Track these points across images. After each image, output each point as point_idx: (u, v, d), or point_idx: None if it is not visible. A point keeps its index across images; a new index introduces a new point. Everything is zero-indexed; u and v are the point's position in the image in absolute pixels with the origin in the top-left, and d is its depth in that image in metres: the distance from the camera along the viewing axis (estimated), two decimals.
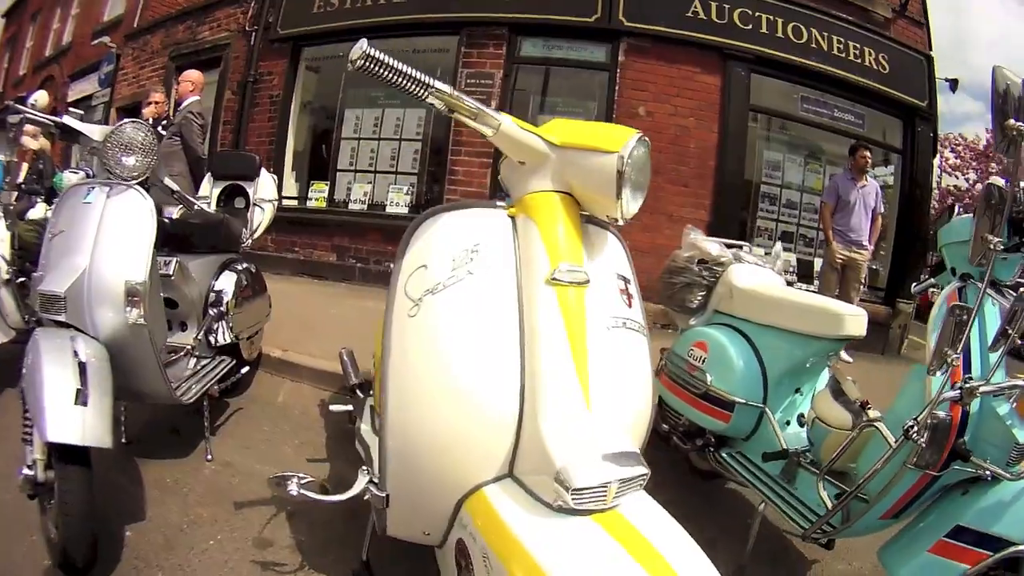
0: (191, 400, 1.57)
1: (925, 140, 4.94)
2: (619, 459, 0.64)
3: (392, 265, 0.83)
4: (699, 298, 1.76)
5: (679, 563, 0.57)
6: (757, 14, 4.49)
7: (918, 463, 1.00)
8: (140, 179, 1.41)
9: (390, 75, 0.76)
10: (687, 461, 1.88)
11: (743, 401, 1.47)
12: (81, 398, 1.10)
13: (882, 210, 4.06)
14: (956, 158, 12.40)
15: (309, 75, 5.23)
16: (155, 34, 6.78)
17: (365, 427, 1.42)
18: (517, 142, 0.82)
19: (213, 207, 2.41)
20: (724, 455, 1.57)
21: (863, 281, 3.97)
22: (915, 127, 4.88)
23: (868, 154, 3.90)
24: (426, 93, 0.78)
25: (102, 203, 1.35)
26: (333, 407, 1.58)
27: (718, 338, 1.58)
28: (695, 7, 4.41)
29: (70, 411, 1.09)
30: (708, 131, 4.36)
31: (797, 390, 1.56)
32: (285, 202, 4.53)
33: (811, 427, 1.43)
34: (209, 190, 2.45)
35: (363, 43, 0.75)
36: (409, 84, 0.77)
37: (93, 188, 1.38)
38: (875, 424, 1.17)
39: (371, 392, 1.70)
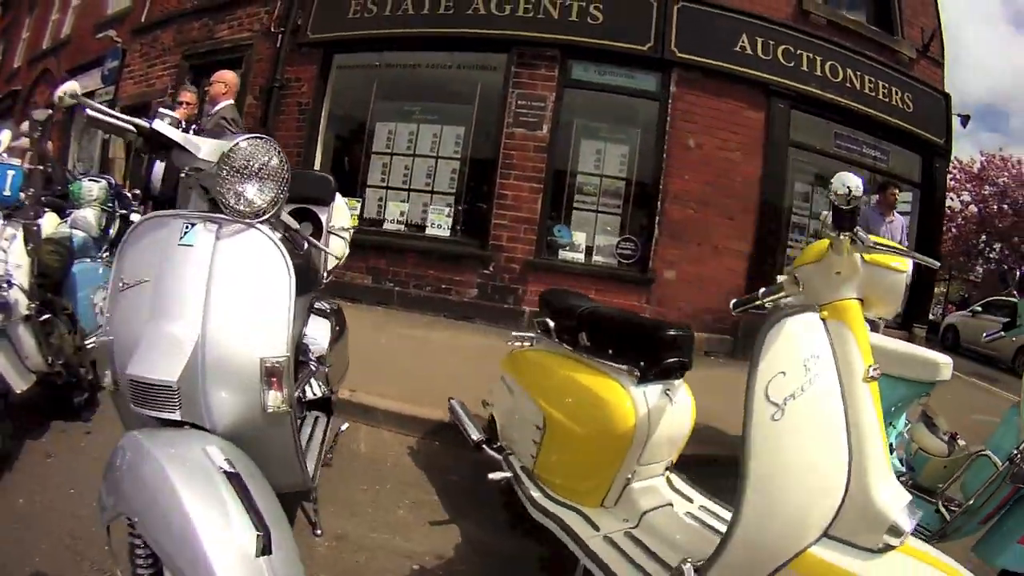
0: (318, 480, 1.38)
1: (941, 175, 5.27)
2: (910, 508, 0.87)
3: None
4: None
5: (955, 566, 0.84)
6: (799, 52, 4.66)
7: (1015, 480, 1.32)
8: (268, 217, 1.03)
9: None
10: None
11: None
12: (263, 544, 0.76)
13: (907, 244, 4.28)
14: (952, 180, 13.23)
15: (339, 84, 5.04)
16: (166, 30, 6.44)
17: (538, 494, 1.40)
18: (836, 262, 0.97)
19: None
20: None
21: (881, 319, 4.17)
22: (933, 163, 5.17)
23: (897, 192, 4.14)
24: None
25: (209, 247, 0.97)
26: (493, 476, 1.54)
27: None
28: (743, 42, 4.54)
29: (254, 568, 0.74)
30: (753, 165, 4.49)
31: (889, 423, 1.84)
32: None
33: (913, 456, 1.75)
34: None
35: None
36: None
37: (193, 225, 0.99)
38: (986, 453, 1.48)
39: (509, 450, 1.62)
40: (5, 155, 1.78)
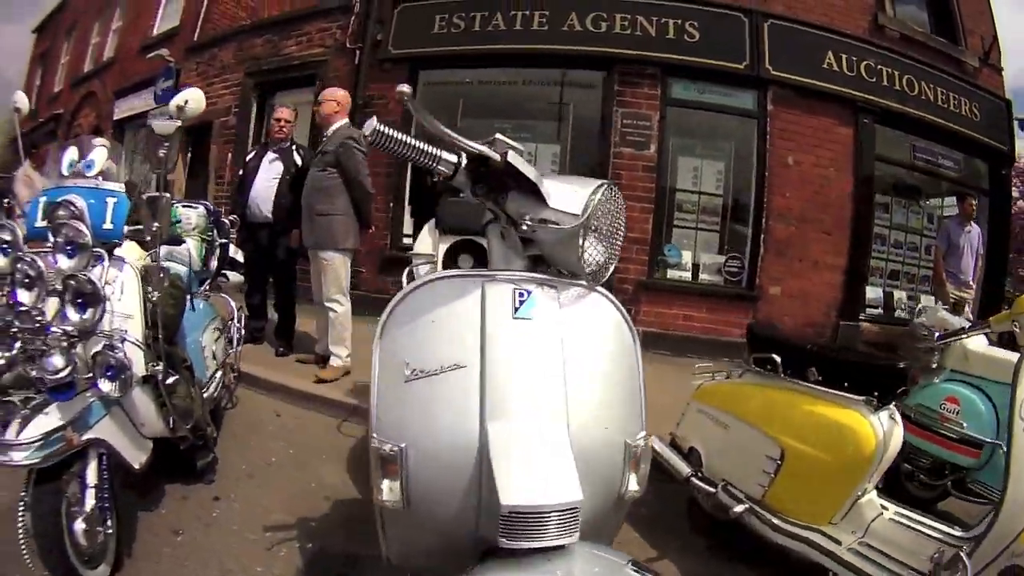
0: None
1: (1008, 181, 5.53)
2: None
3: None
4: (935, 360, 2.15)
5: None
6: (878, 67, 4.86)
7: None
8: (607, 278, 0.91)
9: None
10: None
11: (990, 440, 1.90)
12: None
13: (982, 251, 4.52)
14: None
15: (425, 102, 5.01)
16: (224, 47, 6.35)
17: (778, 520, 1.52)
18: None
19: (440, 267, 2.00)
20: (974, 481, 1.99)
21: (970, 318, 4.40)
22: (1000, 169, 5.42)
23: (975, 202, 4.41)
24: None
25: (554, 319, 0.81)
26: (737, 509, 1.61)
27: (967, 394, 2.04)
28: (828, 59, 4.70)
29: None
30: (844, 180, 4.68)
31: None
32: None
33: None
34: (433, 246, 2.06)
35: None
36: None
37: (530, 292, 0.82)
38: None
39: (724, 480, 1.69)
40: (100, 178, 1.47)
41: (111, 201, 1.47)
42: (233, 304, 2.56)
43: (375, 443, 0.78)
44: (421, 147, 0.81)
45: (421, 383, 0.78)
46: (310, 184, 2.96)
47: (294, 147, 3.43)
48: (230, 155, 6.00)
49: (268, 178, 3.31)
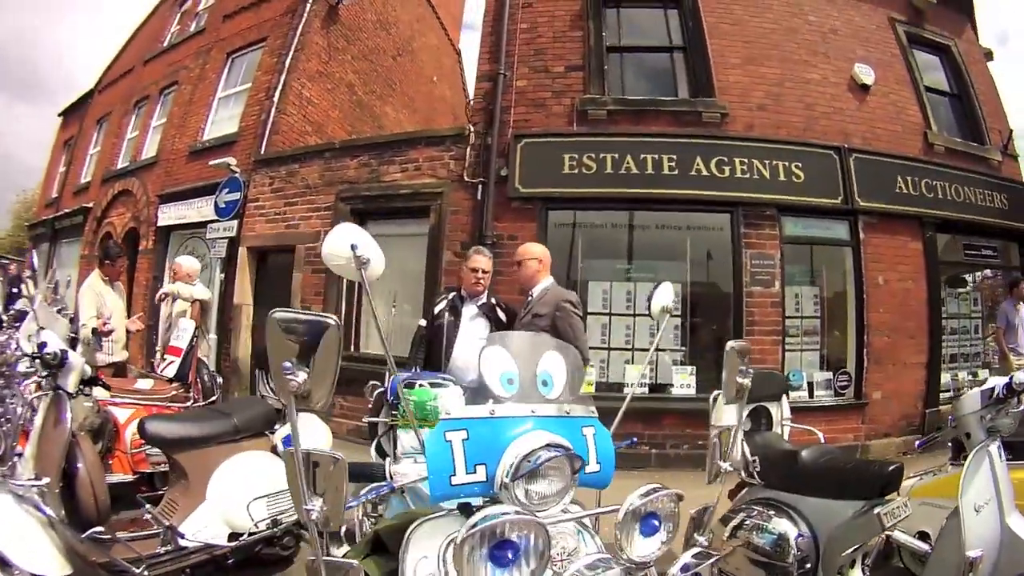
0: None
1: None
2: None
3: None
4: None
5: None
6: (934, 182, 5.96)
7: None
8: None
9: None
10: None
11: None
12: None
13: None
14: None
15: (552, 242, 5.46)
16: (306, 164, 6.42)
17: None
18: None
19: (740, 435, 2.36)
20: None
21: None
22: None
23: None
24: None
25: None
26: None
27: None
28: (898, 182, 5.73)
29: None
30: (919, 288, 5.78)
31: None
32: None
33: None
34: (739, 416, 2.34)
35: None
36: None
37: None
38: None
39: None
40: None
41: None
42: None
43: None
44: None
45: None
46: None
47: (495, 302, 3.19)
48: (326, 288, 6.02)
49: (473, 338, 2.99)
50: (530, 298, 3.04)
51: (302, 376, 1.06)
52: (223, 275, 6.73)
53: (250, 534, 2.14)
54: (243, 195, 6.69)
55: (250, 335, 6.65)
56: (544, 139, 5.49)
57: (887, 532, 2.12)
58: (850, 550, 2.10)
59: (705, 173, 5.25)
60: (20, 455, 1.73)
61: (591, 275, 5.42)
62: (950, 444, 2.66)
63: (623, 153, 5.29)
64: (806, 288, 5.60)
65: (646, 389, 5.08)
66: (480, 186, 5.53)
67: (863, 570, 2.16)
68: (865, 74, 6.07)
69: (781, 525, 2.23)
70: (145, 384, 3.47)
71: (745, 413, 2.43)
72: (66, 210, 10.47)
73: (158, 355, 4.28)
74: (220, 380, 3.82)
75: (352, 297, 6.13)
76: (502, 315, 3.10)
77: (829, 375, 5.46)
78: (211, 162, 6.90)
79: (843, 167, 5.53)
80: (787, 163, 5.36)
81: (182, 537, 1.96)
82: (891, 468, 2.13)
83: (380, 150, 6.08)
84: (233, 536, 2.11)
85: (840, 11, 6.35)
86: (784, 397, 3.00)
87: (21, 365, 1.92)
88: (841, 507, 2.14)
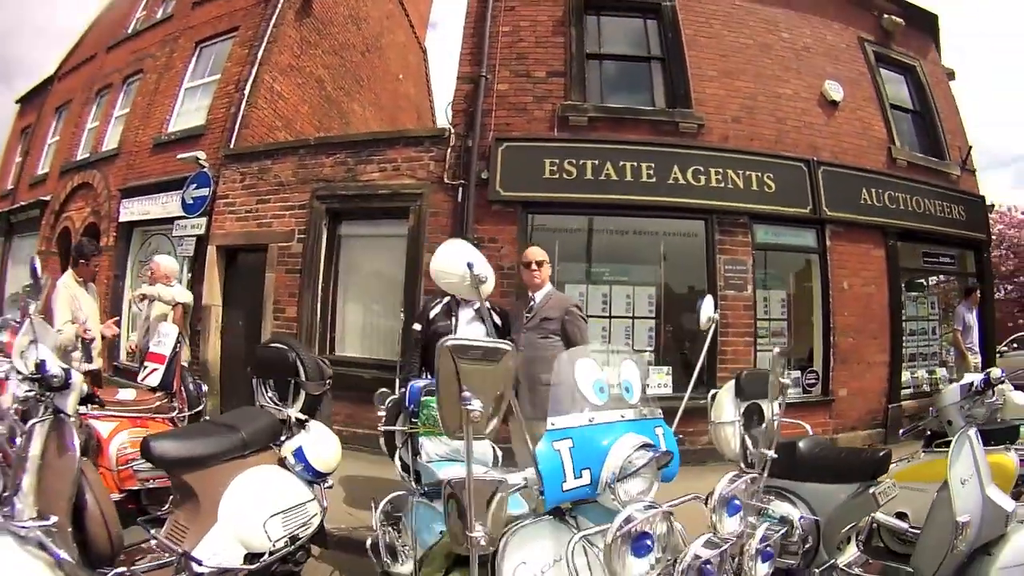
0: None
1: (988, 264, 7.37)
2: None
3: None
4: None
5: None
6: (896, 194, 6.34)
7: None
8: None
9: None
10: None
11: None
12: None
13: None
14: None
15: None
16: (280, 161, 6.32)
17: None
18: None
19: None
20: None
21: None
22: (981, 255, 7.19)
23: (978, 292, 6.09)
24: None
25: None
26: None
27: None
28: (863, 194, 6.07)
29: None
30: (881, 293, 6.13)
31: None
32: None
33: None
34: (736, 413, 2.50)
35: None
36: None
37: None
38: None
39: None
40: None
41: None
42: None
43: None
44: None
45: None
46: (528, 352, 2.97)
47: (488, 305, 3.06)
48: (301, 289, 5.90)
49: None
50: (533, 302, 3.14)
51: (477, 404, 1.05)
52: (190, 275, 6.54)
53: (270, 553, 2.06)
54: (212, 191, 6.51)
55: (219, 338, 6.49)
56: (525, 143, 5.58)
57: (879, 511, 2.45)
58: (847, 527, 2.39)
59: (682, 181, 5.43)
60: (18, 491, 1.55)
61: (567, 277, 5.53)
62: (929, 433, 3.05)
63: (603, 159, 5.42)
64: (775, 292, 5.86)
65: (670, 390, 5.26)
66: (460, 188, 5.56)
67: (857, 545, 2.49)
68: (834, 91, 6.39)
69: (784, 509, 2.45)
70: (128, 395, 3.22)
71: (741, 410, 2.58)
72: (22, 203, 9.92)
73: (138, 363, 3.90)
74: (205, 388, 3.62)
75: (328, 298, 6.07)
76: (497, 319, 3.12)
77: (798, 373, 5.73)
78: (179, 155, 6.67)
79: (812, 179, 5.81)
80: (759, 174, 5.60)
81: (199, 564, 1.82)
82: (881, 454, 2.42)
83: (356, 148, 6.01)
84: (249, 557, 2.01)
85: (813, 29, 6.66)
86: None
87: (17, 387, 1.75)
88: (837, 490, 2.39)
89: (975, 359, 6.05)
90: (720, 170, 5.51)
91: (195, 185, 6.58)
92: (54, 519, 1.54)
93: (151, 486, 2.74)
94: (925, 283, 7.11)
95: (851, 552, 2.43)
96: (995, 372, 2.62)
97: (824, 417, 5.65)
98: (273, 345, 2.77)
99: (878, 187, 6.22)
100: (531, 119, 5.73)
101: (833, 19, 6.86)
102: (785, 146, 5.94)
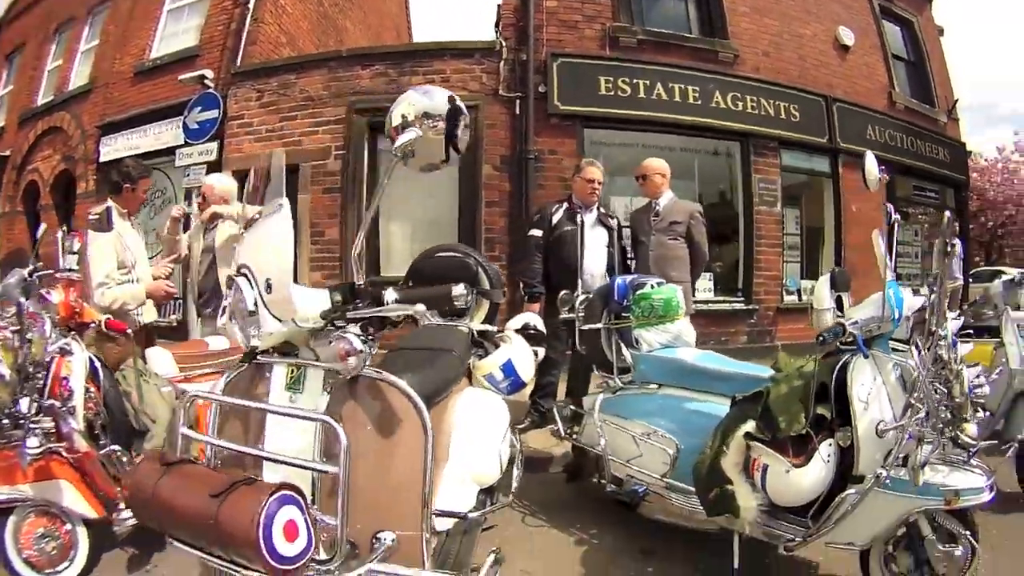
0: None
1: (964, 203, 8.71)
2: None
3: None
4: None
5: None
6: (896, 133, 7.39)
7: None
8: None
9: None
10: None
11: None
12: None
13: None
14: None
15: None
16: (305, 75, 6.15)
17: None
18: None
19: None
20: None
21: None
22: (960, 194, 8.43)
23: (957, 225, 7.20)
24: None
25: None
26: None
27: None
28: (869, 131, 7.04)
29: None
30: (881, 218, 7.07)
31: None
32: None
33: None
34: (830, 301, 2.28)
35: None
36: None
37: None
38: None
39: None
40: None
41: None
42: None
43: None
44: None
45: None
46: (659, 252, 3.39)
47: (604, 211, 3.57)
48: (343, 209, 5.81)
49: (599, 246, 3.34)
50: (658, 207, 3.51)
51: None
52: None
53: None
54: (222, 113, 6.16)
55: None
56: (580, 60, 6.07)
57: None
58: None
59: (723, 106, 6.18)
60: None
61: (615, 191, 6.12)
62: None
63: (653, 80, 6.05)
64: (789, 210, 6.79)
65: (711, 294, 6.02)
66: (518, 101, 5.95)
67: None
68: (846, 36, 7.27)
69: None
70: (219, 343, 2.55)
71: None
72: None
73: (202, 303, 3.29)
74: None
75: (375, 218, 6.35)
76: (613, 223, 3.49)
77: (814, 283, 6.69)
78: (180, 77, 6.31)
79: (828, 112, 6.71)
80: (786, 104, 6.44)
81: (439, 515, 1.52)
82: None
83: (397, 60, 6.02)
84: (482, 494, 1.80)
85: None
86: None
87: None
88: None
89: (955, 283, 7.17)
90: (754, 98, 6.29)
91: (199, 108, 6.20)
92: None
93: None
94: (909, 212, 8.29)
95: None
96: None
97: None
98: (447, 253, 2.36)
99: (880, 125, 7.24)
100: (582, 36, 6.21)
101: None
102: (806, 81, 6.79)
